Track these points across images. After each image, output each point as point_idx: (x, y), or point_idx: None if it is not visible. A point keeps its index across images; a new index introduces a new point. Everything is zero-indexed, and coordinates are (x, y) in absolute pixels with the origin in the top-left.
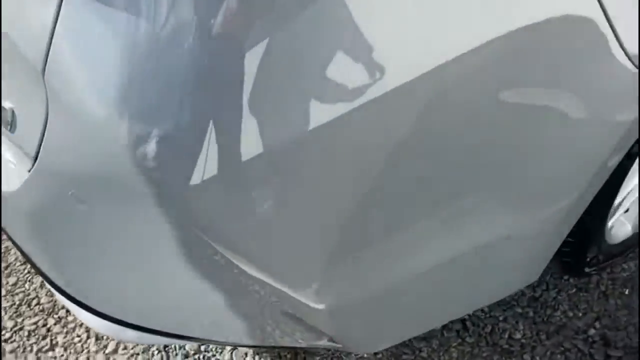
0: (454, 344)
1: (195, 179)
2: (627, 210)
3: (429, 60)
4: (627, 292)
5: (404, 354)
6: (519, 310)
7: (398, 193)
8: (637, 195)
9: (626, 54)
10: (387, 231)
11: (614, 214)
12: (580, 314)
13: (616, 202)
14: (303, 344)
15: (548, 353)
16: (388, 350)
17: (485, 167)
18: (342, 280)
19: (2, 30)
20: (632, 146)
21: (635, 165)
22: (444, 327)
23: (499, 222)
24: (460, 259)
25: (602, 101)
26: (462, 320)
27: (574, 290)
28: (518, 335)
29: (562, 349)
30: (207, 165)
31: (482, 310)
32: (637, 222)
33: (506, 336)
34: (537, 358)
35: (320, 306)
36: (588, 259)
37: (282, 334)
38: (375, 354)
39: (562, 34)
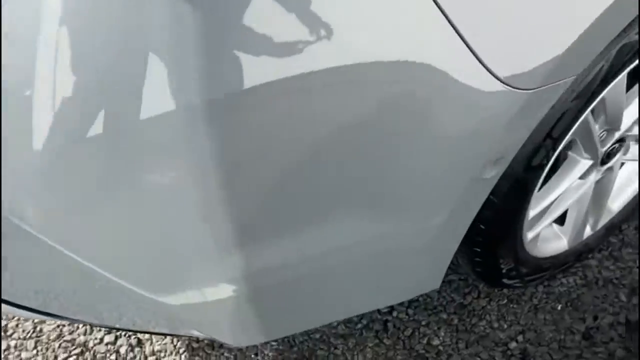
0: (371, 344)
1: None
2: (562, 224)
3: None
4: (559, 308)
5: (320, 349)
6: (444, 316)
7: (275, 186)
8: (567, 205)
9: (491, 72)
10: (253, 228)
11: (533, 226)
12: (506, 326)
13: (531, 213)
14: (166, 331)
15: None
16: (304, 344)
17: (357, 178)
18: (199, 276)
19: None
20: (532, 159)
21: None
22: (365, 326)
23: (372, 228)
24: (334, 261)
25: (466, 118)
26: (384, 321)
27: (505, 301)
28: (436, 342)
29: (478, 359)
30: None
31: (406, 313)
32: (575, 237)
33: (424, 341)
34: None
35: (172, 302)
36: (503, 271)
37: (142, 321)
38: (291, 346)
39: (420, 61)
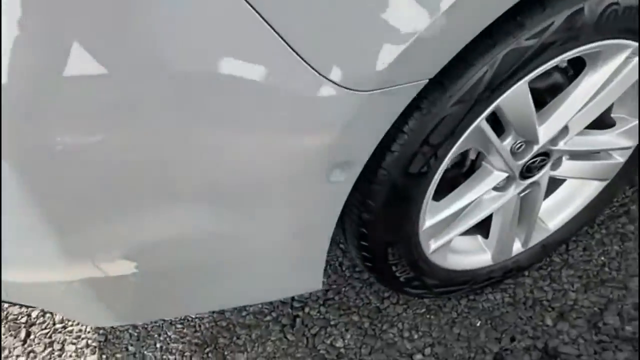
0: (274, 339)
1: None
2: (487, 237)
3: None
4: (478, 324)
5: (222, 337)
6: (356, 318)
7: (99, 175)
8: (480, 217)
9: (319, 73)
10: (81, 217)
11: (435, 235)
12: (416, 337)
13: (429, 222)
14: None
15: None
16: (209, 330)
17: (188, 177)
18: (36, 256)
19: None
20: (408, 165)
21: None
22: (274, 319)
23: (214, 225)
24: (181, 254)
25: (298, 120)
26: (294, 317)
27: (423, 310)
28: (340, 344)
29: None
30: None
31: (319, 311)
32: (500, 252)
33: (328, 342)
34: None
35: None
36: (401, 279)
37: None
38: (195, 330)
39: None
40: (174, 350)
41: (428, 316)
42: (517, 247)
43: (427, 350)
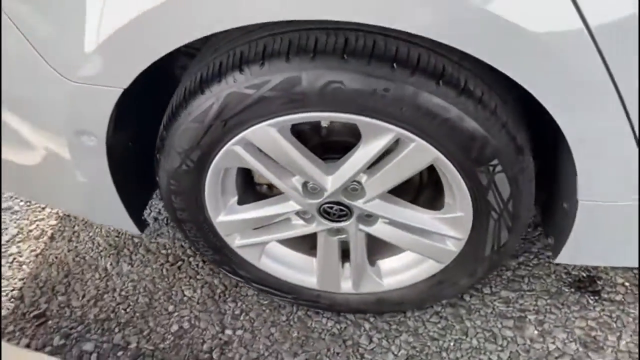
0: (154, 267)
1: None
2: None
3: None
4: (294, 335)
5: (127, 249)
6: (216, 282)
7: None
8: (281, 236)
9: (45, 60)
10: None
11: (237, 232)
12: (242, 318)
13: (222, 218)
14: None
15: None
16: (125, 240)
17: None
18: None
19: None
20: (168, 160)
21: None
22: (166, 254)
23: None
24: None
25: (39, 89)
26: (180, 260)
27: (266, 302)
28: (189, 293)
29: (196, 323)
30: None
31: (197, 265)
32: (325, 282)
33: (183, 289)
34: None
35: None
36: (209, 257)
37: None
38: (117, 236)
39: None
40: (95, 242)
41: (264, 309)
42: (347, 286)
43: (239, 332)
